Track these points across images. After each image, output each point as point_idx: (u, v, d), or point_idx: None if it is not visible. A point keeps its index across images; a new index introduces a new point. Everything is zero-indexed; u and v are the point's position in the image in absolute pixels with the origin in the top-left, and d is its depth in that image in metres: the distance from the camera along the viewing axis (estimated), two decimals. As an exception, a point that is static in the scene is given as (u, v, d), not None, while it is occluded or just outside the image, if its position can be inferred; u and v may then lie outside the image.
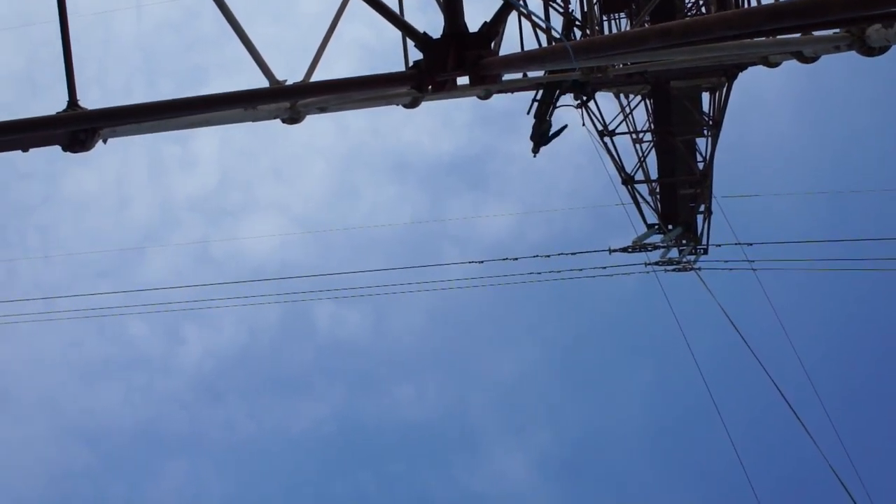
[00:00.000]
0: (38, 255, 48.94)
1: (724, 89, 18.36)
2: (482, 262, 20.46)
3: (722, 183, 20.91)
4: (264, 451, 54.18)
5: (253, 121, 9.97)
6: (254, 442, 54.31)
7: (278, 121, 10.09)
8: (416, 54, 8.57)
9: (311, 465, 54.07)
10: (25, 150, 8.29)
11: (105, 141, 8.67)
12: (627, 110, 20.59)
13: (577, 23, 16.94)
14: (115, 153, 51.52)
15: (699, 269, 20.58)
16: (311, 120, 10.35)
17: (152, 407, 54.33)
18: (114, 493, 52.30)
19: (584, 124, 19.54)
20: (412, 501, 52.69)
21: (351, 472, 53.64)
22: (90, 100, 8.19)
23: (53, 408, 54.55)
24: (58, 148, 8.39)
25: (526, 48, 15.48)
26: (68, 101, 8.14)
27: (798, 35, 9.47)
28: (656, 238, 20.99)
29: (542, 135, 18.25)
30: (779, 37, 9.59)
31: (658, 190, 21.13)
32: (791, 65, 11.93)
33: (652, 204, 21.04)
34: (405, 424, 54.99)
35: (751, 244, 19.62)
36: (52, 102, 8.14)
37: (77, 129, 8.19)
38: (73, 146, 8.32)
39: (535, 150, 18.37)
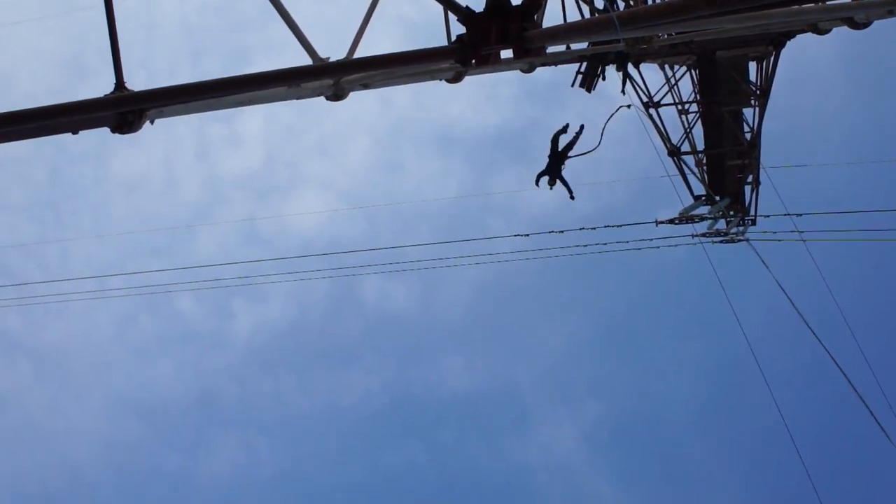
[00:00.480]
0: (91, 235, 49.76)
1: (772, 58, 18.05)
2: (528, 235, 20.40)
3: (770, 153, 20.63)
4: (315, 424, 54.90)
5: (297, 99, 10.01)
6: (305, 414, 55.03)
7: (322, 98, 10.12)
8: (458, 28, 8.54)
9: (362, 437, 54.68)
10: (75, 132, 8.39)
11: (152, 122, 8.76)
12: (673, 81, 20.35)
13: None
14: (162, 134, 52.12)
15: (749, 240, 20.35)
16: (354, 96, 10.37)
17: (204, 381, 55.22)
18: (168, 463, 53.40)
19: (628, 106, 19.39)
20: (461, 472, 53.07)
21: (401, 444, 54.19)
22: (137, 83, 8.28)
23: (108, 383, 55.67)
24: (107, 130, 8.49)
25: (568, 21, 15.34)
26: (115, 84, 8.23)
27: (849, 0, 9.29)
28: (703, 209, 20.79)
29: (556, 169, 18.53)
30: (828, 2, 9.42)
31: (705, 161, 20.89)
32: (841, 31, 11.70)
33: (699, 175, 20.82)
34: (454, 396, 55.35)
35: (800, 215, 19.34)
36: (101, 87, 8.25)
37: (125, 110, 8.28)
38: (122, 128, 8.41)
39: (552, 183, 18.71)
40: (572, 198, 19.16)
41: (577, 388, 55.09)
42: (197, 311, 54.17)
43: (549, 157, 18.97)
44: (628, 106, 19.26)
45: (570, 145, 18.76)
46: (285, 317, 56.04)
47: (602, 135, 18.12)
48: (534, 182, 19.16)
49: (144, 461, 53.15)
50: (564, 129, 18.87)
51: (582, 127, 18.65)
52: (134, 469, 52.78)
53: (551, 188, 19.20)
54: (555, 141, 18.91)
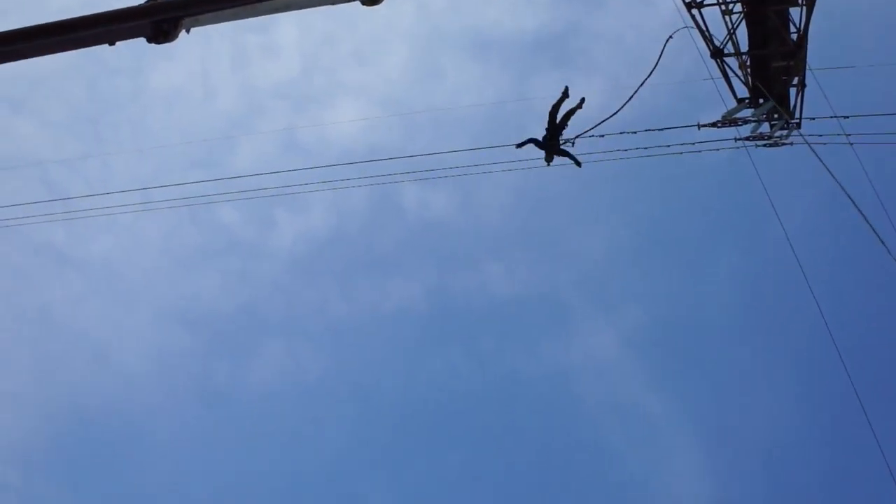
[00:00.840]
0: (132, 150, 50.08)
1: (821, -47, 17.48)
2: (567, 139, 20.22)
3: (817, 55, 20.12)
4: (357, 330, 55.71)
5: (332, 3, 9.88)
6: (347, 321, 55.86)
7: (357, 3, 9.98)
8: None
9: (404, 344, 55.54)
10: (112, 43, 8.38)
11: (188, 31, 8.71)
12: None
13: None
14: (197, 46, 51.93)
15: (805, 140, 19.96)
16: (390, 2, 10.22)
17: (248, 291, 56.09)
18: (216, 370, 54.78)
19: (674, 33, 18.93)
20: (502, 377, 53.88)
21: (442, 350, 54.98)
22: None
23: (155, 294, 56.76)
24: (143, 42, 8.48)
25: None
26: (149, -7, 8.18)
27: None
28: (747, 112, 20.46)
29: (554, 143, 18.17)
30: None
31: (749, 63, 20.44)
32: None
33: (742, 78, 20.41)
34: (494, 302, 55.78)
35: (847, 117, 18.94)
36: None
37: (159, 19, 8.25)
38: (157, 37, 8.39)
39: (549, 159, 18.38)
40: (579, 165, 18.77)
41: (617, 293, 55.26)
42: (239, 222, 54.76)
43: (547, 129, 18.49)
44: (673, 34, 18.85)
45: (568, 114, 18.37)
46: (326, 225, 56.50)
47: (656, 65, 17.80)
48: (515, 145, 18.63)
49: (195, 368, 54.62)
50: (567, 94, 18.41)
51: (583, 100, 18.36)
52: (185, 374, 54.34)
53: (548, 164, 18.83)
54: (553, 112, 18.45)
